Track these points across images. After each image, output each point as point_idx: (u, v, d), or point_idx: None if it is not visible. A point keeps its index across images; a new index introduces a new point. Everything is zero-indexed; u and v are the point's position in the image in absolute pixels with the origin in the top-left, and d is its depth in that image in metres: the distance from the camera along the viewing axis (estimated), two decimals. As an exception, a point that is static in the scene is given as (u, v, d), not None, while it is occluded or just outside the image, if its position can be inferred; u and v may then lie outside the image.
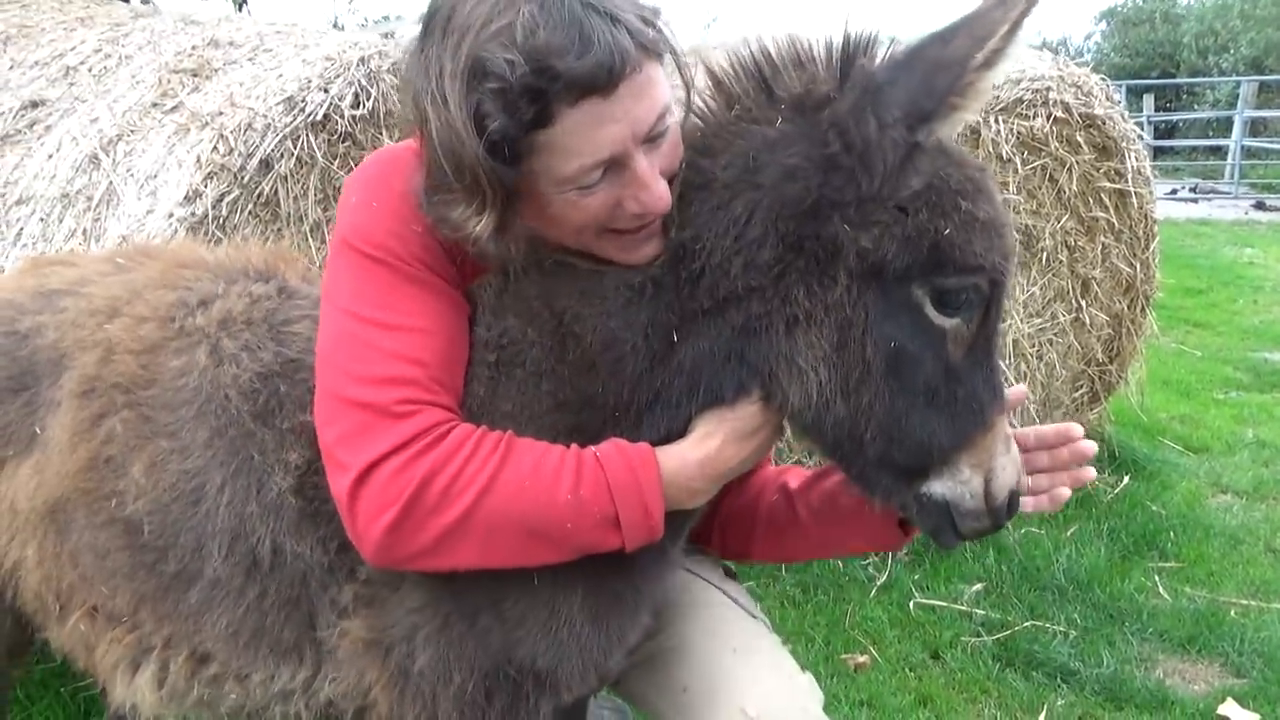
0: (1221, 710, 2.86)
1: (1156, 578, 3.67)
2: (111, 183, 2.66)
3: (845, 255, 1.20)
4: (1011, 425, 1.37)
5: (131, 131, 2.79)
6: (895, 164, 1.17)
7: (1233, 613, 3.42)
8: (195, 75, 3.01)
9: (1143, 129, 20.04)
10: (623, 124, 1.16)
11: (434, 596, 1.37)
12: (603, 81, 1.12)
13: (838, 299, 1.22)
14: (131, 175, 2.69)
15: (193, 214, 2.61)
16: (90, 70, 3.05)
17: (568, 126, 1.15)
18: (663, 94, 1.21)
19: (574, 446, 1.28)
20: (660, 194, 1.21)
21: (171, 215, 2.60)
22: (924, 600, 3.45)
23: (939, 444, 1.25)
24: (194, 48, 3.16)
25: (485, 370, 1.34)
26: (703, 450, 1.29)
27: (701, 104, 1.29)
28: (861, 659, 3.11)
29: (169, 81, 2.97)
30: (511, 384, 1.33)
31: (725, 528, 1.73)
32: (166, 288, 1.65)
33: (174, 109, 2.86)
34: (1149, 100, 20.89)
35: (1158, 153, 20.95)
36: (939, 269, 1.20)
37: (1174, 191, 17.08)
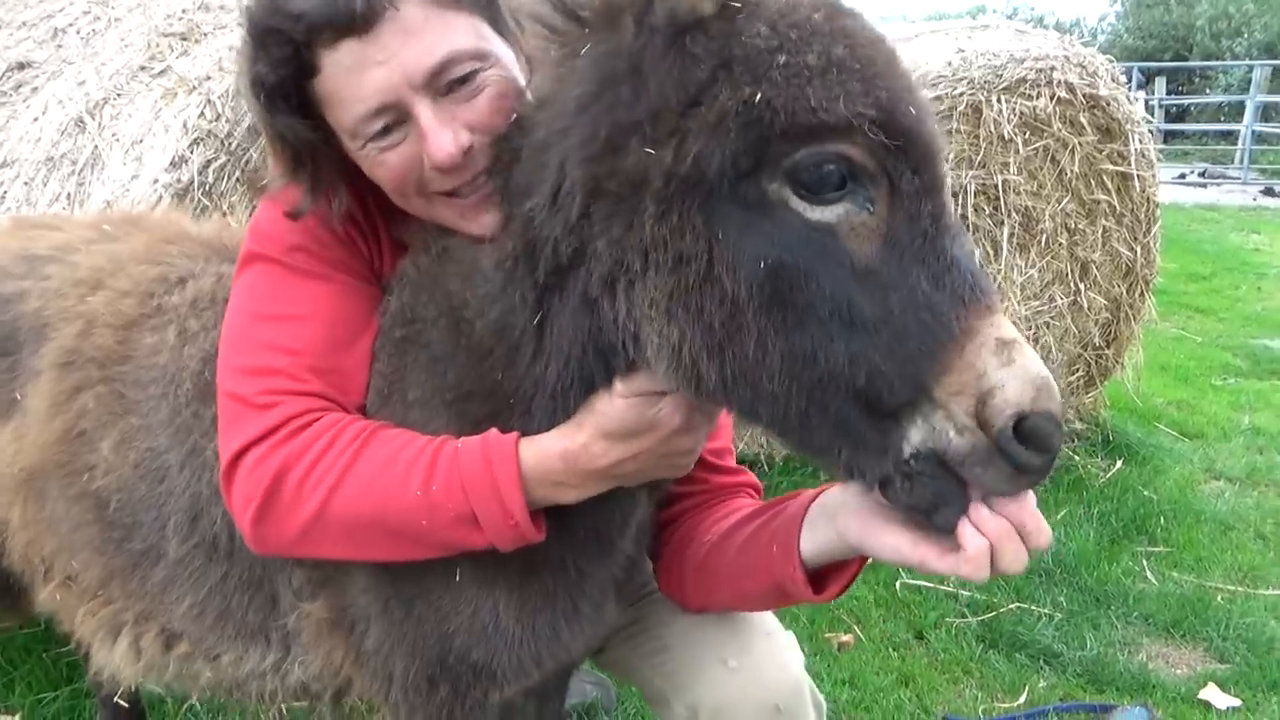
0: (1203, 695, 2.86)
1: (1144, 562, 3.66)
2: (97, 147, 2.64)
3: (651, 182, 0.98)
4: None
5: (118, 95, 2.77)
6: (665, 58, 0.97)
7: (1219, 598, 3.42)
8: (185, 39, 2.98)
9: (1154, 112, 19.97)
10: (389, 67, 1.13)
11: (376, 579, 1.37)
12: (344, 19, 1.11)
13: (659, 235, 0.98)
14: (117, 140, 2.67)
15: (178, 180, 2.59)
16: (79, 32, 3.02)
17: (331, 72, 1.15)
18: (450, 38, 1.16)
19: (440, 440, 1.20)
20: (439, 145, 1.15)
21: (157, 181, 2.59)
22: (910, 581, 3.44)
23: (882, 379, 0.94)
24: (184, 11, 3.13)
25: (392, 346, 1.31)
26: (565, 444, 1.15)
27: (537, 49, 1.12)
28: (845, 638, 3.11)
29: (158, 45, 2.94)
30: (419, 369, 1.28)
31: (660, 562, 1.56)
32: (150, 262, 1.65)
33: (162, 73, 2.84)
34: (1161, 83, 20.68)
35: (1168, 136, 20.78)
36: (782, 146, 0.94)
37: (1183, 176, 16.95)
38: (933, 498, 0.98)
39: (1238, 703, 2.83)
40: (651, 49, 0.98)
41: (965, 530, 0.99)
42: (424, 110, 1.16)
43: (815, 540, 1.24)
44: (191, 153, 2.62)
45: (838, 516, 1.18)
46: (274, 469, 1.20)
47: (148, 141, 2.67)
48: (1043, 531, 1.00)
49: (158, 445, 1.49)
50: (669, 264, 0.99)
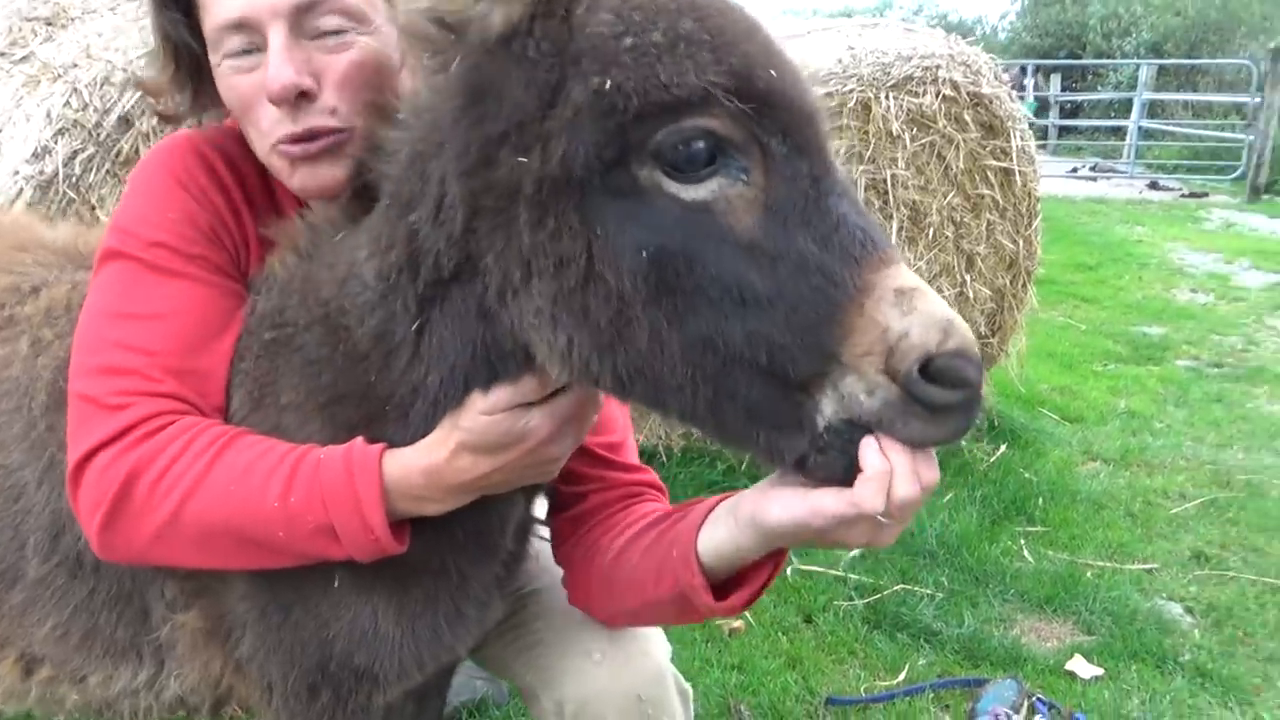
0: (1069, 666, 3.02)
1: (1022, 541, 3.84)
2: (-48, 136, 2.51)
3: (523, 190, 0.97)
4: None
5: (-25, 82, 2.64)
6: (508, 67, 0.96)
7: (1089, 574, 3.61)
8: (50, 24, 2.85)
9: (1049, 108, 20.75)
10: None
11: (253, 586, 1.35)
12: None
13: (537, 241, 0.97)
14: (-26, 129, 2.55)
15: (41, 172, 2.49)
16: (-67, 15, 2.87)
17: None
18: None
19: (302, 449, 1.18)
20: (275, 74, 1.17)
21: (17, 173, 2.48)
22: (803, 566, 3.54)
23: (785, 353, 0.92)
24: (50, -6, 2.99)
25: (261, 348, 1.29)
26: (429, 458, 1.13)
27: (418, 58, 1.08)
28: (736, 624, 3.19)
29: (20, 30, 2.81)
30: (292, 372, 1.26)
31: (569, 575, 1.51)
32: (1, 271, 1.58)
33: (24, 59, 2.71)
34: (1056, 80, 21.50)
35: (1063, 131, 21.63)
36: (642, 129, 0.92)
37: (1075, 170, 17.65)
38: (849, 465, 0.95)
39: (1100, 672, 3.00)
40: (496, 61, 0.98)
41: (867, 450, 0.94)
42: (276, 37, 1.18)
43: (715, 538, 1.18)
44: (56, 143, 2.52)
45: (739, 505, 1.15)
46: (124, 472, 1.17)
47: (8, 131, 2.55)
48: (933, 469, 0.97)
49: (11, 462, 1.44)
50: (550, 269, 0.97)
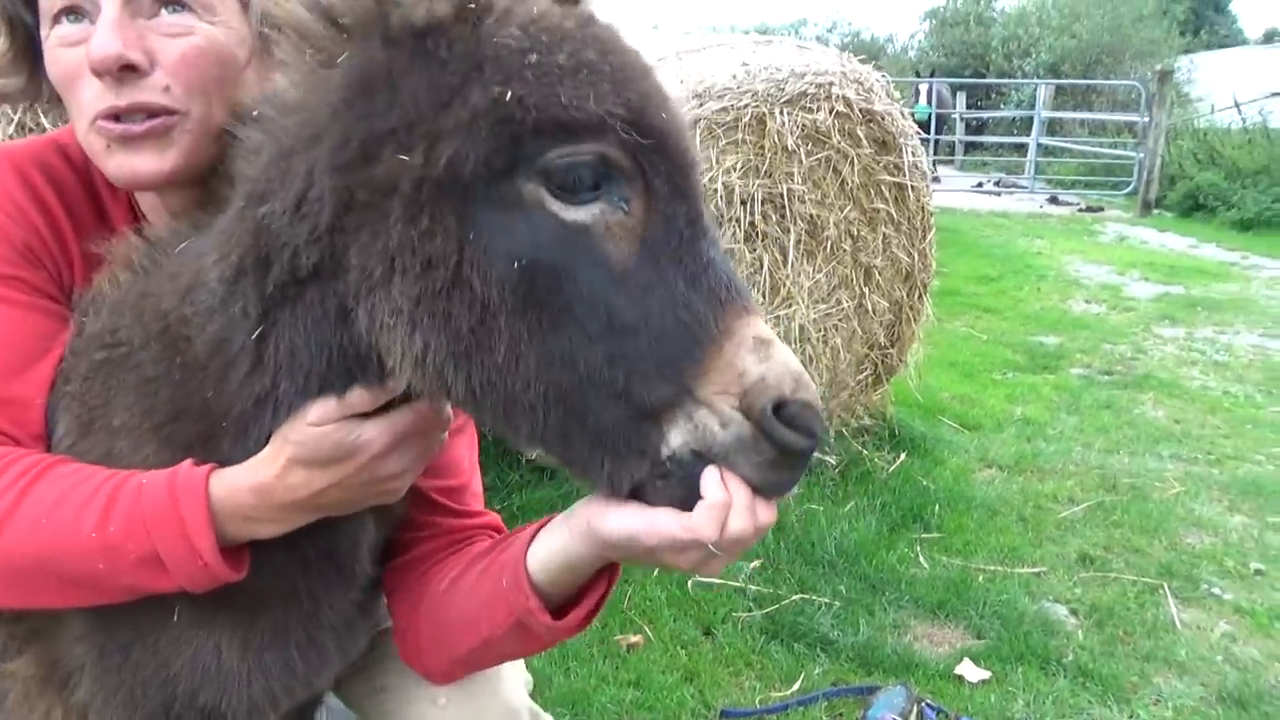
0: (958, 670, 3.08)
1: (918, 548, 3.92)
2: None
3: (400, 187, 0.96)
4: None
5: None
6: (413, 64, 0.96)
7: (980, 578, 3.70)
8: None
9: (956, 124, 21.47)
10: None
11: (90, 626, 1.26)
12: None
13: (406, 239, 0.96)
14: None
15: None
16: None
17: None
18: None
19: (123, 475, 1.11)
20: (99, 42, 1.10)
21: None
22: (702, 579, 3.54)
23: (643, 381, 0.94)
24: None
25: (90, 370, 1.22)
26: (258, 476, 1.07)
27: (292, 54, 1.04)
28: (635, 639, 3.17)
29: None
30: (126, 392, 1.19)
31: (398, 630, 1.42)
32: None
33: None
34: (962, 98, 22.27)
35: (969, 148, 22.40)
36: (535, 144, 0.93)
37: (979, 185, 18.30)
38: (686, 497, 0.96)
39: (988, 675, 3.07)
40: (399, 56, 0.97)
41: (709, 480, 0.95)
42: (110, 7, 1.11)
43: (548, 548, 1.15)
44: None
45: (575, 513, 1.12)
46: None
47: None
48: (771, 511, 0.99)
49: None
50: (416, 269, 0.96)
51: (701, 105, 3.97)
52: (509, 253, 0.94)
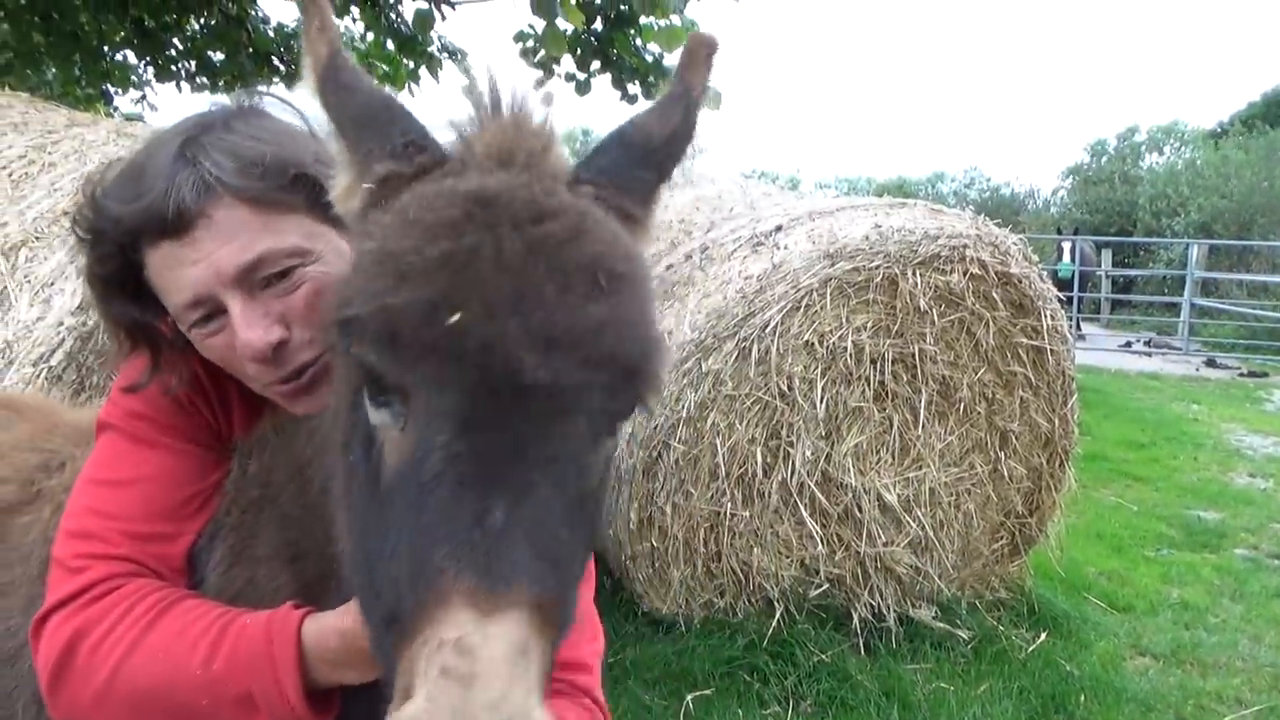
0: None
1: (1061, 743, 3.58)
2: (6, 288, 2.67)
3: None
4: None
5: (37, 238, 2.83)
6: None
7: (1134, 785, 3.33)
8: (115, 187, 3.07)
9: (1101, 282, 20.83)
10: (202, 265, 1.19)
11: None
12: (156, 225, 1.17)
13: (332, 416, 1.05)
14: (29, 281, 2.71)
15: (84, 324, 2.62)
16: (10, 175, 3.11)
17: (154, 267, 1.21)
18: (267, 238, 1.20)
19: (234, 612, 1.18)
20: (247, 341, 1.19)
21: (62, 324, 2.61)
22: (819, 757, 3.33)
23: (377, 608, 0.87)
24: (121, 159, 3.23)
25: (247, 503, 1.32)
26: (345, 620, 1.10)
27: None
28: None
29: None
30: (270, 526, 1.29)
31: None
32: (33, 450, 1.68)
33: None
34: (1107, 255, 21.68)
35: (1115, 305, 21.62)
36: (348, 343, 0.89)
37: (1128, 344, 17.51)
38: None
39: None
40: None
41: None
42: (235, 305, 1.20)
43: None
44: (100, 297, 2.66)
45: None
46: (69, 633, 1.18)
47: (59, 285, 2.71)
48: None
49: (13, 624, 1.47)
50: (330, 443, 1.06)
51: (833, 265, 4.02)
52: (345, 435, 0.98)
